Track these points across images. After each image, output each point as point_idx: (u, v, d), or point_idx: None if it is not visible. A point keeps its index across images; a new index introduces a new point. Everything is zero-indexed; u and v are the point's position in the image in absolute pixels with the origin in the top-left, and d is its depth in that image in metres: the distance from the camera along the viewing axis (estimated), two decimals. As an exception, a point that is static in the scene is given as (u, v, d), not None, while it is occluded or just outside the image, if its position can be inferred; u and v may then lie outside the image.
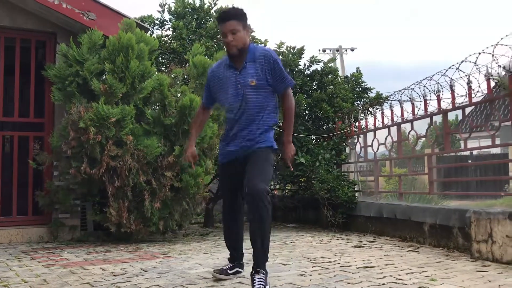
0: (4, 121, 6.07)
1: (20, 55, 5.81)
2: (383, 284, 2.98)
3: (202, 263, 3.87)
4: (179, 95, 5.52)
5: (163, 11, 8.19)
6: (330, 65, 7.93)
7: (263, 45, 7.67)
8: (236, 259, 3.32)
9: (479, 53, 4.15)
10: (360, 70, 8.19)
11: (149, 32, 7.09)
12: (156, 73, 5.59)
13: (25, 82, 5.90)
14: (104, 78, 5.29)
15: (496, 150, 17.89)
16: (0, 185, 5.60)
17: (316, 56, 7.93)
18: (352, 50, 27.00)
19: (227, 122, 3.22)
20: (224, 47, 3.08)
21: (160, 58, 7.76)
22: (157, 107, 5.53)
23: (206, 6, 8.06)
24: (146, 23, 7.92)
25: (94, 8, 5.60)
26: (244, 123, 3.07)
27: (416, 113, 5.41)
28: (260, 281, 2.76)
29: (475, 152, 19.71)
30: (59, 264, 3.92)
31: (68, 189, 5.30)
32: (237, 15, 3.02)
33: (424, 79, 5.11)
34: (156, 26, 8.24)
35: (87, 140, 4.82)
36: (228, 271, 3.23)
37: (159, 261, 4.02)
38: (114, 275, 3.43)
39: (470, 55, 4.35)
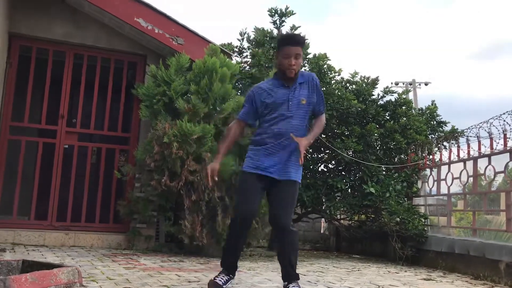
0: (94, 134, 6.60)
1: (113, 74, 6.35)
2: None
3: (271, 279, 3.98)
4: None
5: (243, 39, 8.59)
6: (404, 97, 7.90)
7: (337, 74, 7.82)
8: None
9: None
10: (435, 103, 8.08)
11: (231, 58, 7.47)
12: (236, 96, 5.88)
13: (115, 99, 6.41)
14: (188, 98, 5.65)
15: None
16: (87, 193, 6.08)
17: (391, 87, 7.96)
18: (426, 84, 26.43)
19: (266, 134, 3.29)
20: (281, 67, 3.26)
21: (237, 83, 8.11)
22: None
23: (284, 35, 8.37)
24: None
25: (183, 33, 6.04)
26: (286, 142, 3.22)
27: (494, 147, 5.28)
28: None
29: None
30: (138, 268, 4.19)
31: (147, 200, 5.64)
32: (303, 42, 3.38)
33: (504, 113, 5.01)
34: (235, 54, 8.66)
35: (170, 154, 5.16)
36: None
37: (230, 273, 4.17)
38: (189, 281, 3.63)
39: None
